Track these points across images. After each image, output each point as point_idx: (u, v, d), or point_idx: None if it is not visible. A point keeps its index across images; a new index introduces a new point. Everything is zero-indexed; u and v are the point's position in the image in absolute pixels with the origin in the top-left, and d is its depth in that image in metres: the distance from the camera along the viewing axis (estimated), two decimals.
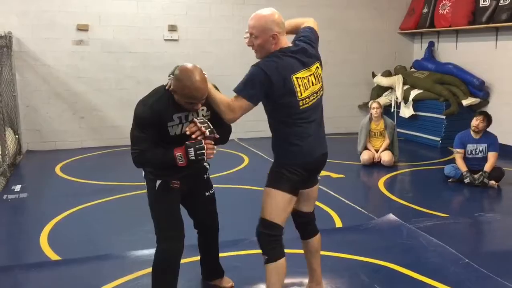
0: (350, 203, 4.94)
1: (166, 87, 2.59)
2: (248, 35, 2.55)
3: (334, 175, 6.05)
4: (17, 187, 5.53)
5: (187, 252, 3.24)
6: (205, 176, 2.90)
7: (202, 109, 2.66)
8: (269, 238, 2.59)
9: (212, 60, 8.20)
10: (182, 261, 2.74)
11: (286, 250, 2.67)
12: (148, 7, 8.00)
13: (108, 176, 6.01)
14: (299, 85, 2.52)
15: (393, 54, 9.56)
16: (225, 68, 8.02)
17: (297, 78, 2.51)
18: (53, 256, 3.69)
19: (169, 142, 2.58)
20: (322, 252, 3.55)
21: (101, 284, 3.15)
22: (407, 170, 6.52)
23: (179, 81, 2.47)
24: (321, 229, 4.15)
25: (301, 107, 2.54)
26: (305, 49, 2.59)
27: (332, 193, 5.26)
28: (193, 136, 2.54)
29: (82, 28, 7.71)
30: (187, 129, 2.55)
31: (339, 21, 9.11)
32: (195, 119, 2.58)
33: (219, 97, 2.54)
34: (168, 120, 2.55)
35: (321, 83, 2.68)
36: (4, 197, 5.19)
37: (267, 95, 2.48)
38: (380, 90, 9.17)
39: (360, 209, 4.76)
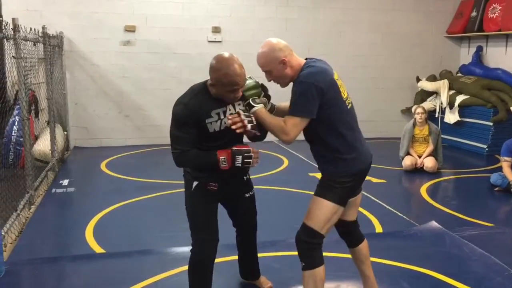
0: (391, 209, 4.86)
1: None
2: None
3: (375, 180, 5.97)
4: (65, 182, 5.74)
5: (227, 251, 3.29)
6: (245, 177, 2.86)
7: (239, 104, 2.62)
8: (308, 246, 2.56)
9: (255, 62, 8.24)
10: (222, 259, 2.77)
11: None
12: (193, 9, 8.14)
13: (150, 173, 6.15)
14: (340, 85, 2.54)
15: (439, 58, 9.35)
16: None
17: (336, 79, 2.54)
18: (97, 249, 3.81)
19: (209, 139, 2.56)
20: None
21: (142, 278, 3.23)
22: (451, 177, 6.36)
23: (218, 70, 2.46)
24: None
25: (348, 107, 2.56)
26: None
27: (372, 198, 5.20)
28: (234, 127, 2.50)
29: (130, 29, 7.92)
30: (229, 117, 2.52)
31: (383, 24, 8.98)
32: (239, 111, 2.55)
33: (269, 121, 2.53)
34: (206, 117, 2.52)
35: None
36: (53, 191, 5.40)
37: (321, 105, 2.44)
38: (424, 95, 8.97)
39: (402, 215, 4.68)
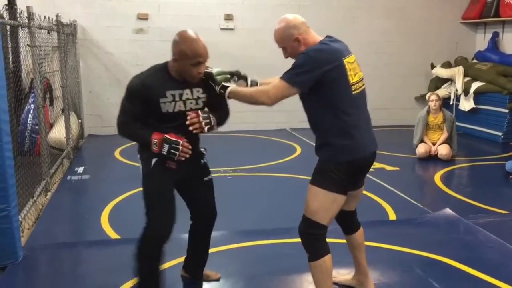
0: (404, 196, 4.84)
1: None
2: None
3: (388, 168, 5.94)
4: (80, 169, 5.81)
5: (241, 237, 3.30)
6: (202, 161, 2.78)
7: (198, 91, 2.58)
8: (311, 237, 2.51)
9: (267, 49, 8.14)
10: (237, 245, 2.78)
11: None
12: None
13: None
14: (350, 69, 2.45)
15: (454, 44, 9.22)
16: (280, 57, 7.98)
17: (347, 62, 2.45)
18: (113, 235, 3.86)
19: (161, 119, 2.52)
20: (375, 244, 3.55)
21: None
22: (465, 164, 6.30)
23: (182, 43, 2.44)
24: (374, 221, 4.16)
25: (353, 93, 2.45)
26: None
27: (386, 185, 5.18)
28: (191, 128, 2.48)
29: (142, 17, 7.93)
30: (188, 118, 2.49)
31: (397, 10, 8.87)
32: (199, 111, 2.53)
33: (245, 92, 2.53)
34: (160, 96, 2.48)
35: (362, 73, 2.58)
36: (68, 178, 5.47)
37: (319, 81, 2.37)
38: (439, 82, 8.87)
39: (415, 202, 4.66)
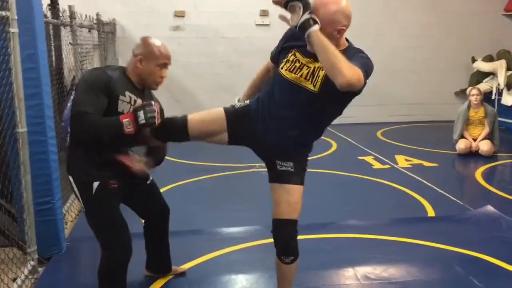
0: (443, 193, 4.74)
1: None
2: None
3: (426, 164, 5.83)
4: None
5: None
6: (147, 182, 2.72)
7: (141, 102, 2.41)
8: (296, 238, 2.38)
9: None
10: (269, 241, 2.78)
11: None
12: None
13: (200, 156, 6.25)
14: None
15: (496, 37, 8.91)
16: None
17: None
18: None
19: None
20: (413, 241, 3.51)
21: (193, 257, 3.31)
22: (508, 161, 6.11)
23: (148, 45, 2.42)
24: (412, 218, 4.10)
25: None
26: None
27: (424, 181, 5.09)
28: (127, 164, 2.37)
29: (179, 15, 8.04)
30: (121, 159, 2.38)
31: (436, 3, 8.67)
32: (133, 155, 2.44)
33: (337, 51, 2.01)
34: (120, 93, 2.36)
35: None
36: None
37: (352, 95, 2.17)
38: (480, 76, 8.62)
39: (455, 199, 4.55)
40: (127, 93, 2.39)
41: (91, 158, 2.38)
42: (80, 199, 2.44)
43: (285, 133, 2.28)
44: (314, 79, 2.17)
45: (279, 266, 2.42)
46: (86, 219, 2.48)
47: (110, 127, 2.26)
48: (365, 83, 2.05)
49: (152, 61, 2.40)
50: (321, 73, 2.14)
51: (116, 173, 2.42)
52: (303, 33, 2.02)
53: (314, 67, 2.17)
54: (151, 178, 2.76)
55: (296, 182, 2.33)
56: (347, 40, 2.26)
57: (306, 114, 2.25)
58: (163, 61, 2.43)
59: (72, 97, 2.36)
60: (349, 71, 1.95)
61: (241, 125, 2.37)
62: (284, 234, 2.34)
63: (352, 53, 2.15)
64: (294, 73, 2.21)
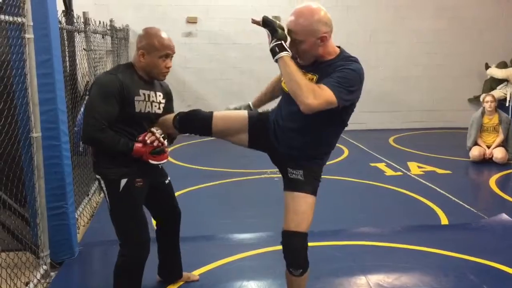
0: (457, 200, 4.69)
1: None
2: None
3: (440, 171, 5.78)
4: None
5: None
6: (160, 166, 2.68)
7: (160, 95, 2.52)
8: (306, 249, 2.35)
9: None
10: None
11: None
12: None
13: (212, 162, 6.28)
14: None
15: (510, 43, 8.84)
16: None
17: None
18: None
19: (130, 120, 2.40)
20: (426, 249, 3.47)
21: (206, 262, 3.31)
22: None
23: (149, 36, 2.39)
24: (425, 225, 4.06)
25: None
26: None
27: (437, 189, 5.04)
28: (150, 142, 2.40)
29: (191, 21, 8.09)
30: (147, 138, 2.40)
31: (450, 8, 8.61)
32: (153, 129, 2.45)
33: (300, 76, 2.10)
34: (135, 94, 2.38)
35: None
36: None
37: (351, 105, 2.21)
38: (493, 83, 8.55)
39: (469, 207, 4.50)
40: (141, 91, 2.42)
41: (118, 155, 2.40)
42: (107, 196, 2.48)
43: (292, 143, 2.33)
44: None
45: (288, 277, 2.41)
46: (110, 216, 2.53)
47: (119, 149, 2.35)
48: (347, 99, 2.10)
49: (154, 54, 2.39)
50: None
51: (141, 170, 2.45)
52: (273, 58, 2.15)
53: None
54: (169, 178, 2.81)
55: (305, 191, 2.31)
56: (339, 47, 2.27)
57: (307, 125, 2.25)
58: (165, 52, 2.41)
59: (85, 102, 2.38)
60: (310, 97, 2.02)
61: (260, 131, 2.43)
62: (292, 248, 2.32)
63: (339, 64, 2.16)
64: None
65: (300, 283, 2.39)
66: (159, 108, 2.53)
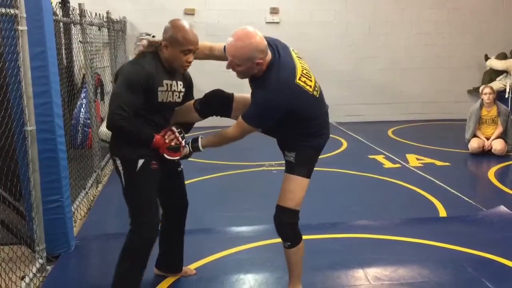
0: (455, 193, 4.67)
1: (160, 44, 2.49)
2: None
3: (438, 163, 5.77)
4: None
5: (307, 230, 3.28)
6: None
7: (180, 84, 2.59)
8: (294, 226, 2.57)
9: (313, 42, 8.13)
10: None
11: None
12: None
13: (211, 155, 6.24)
14: (306, 82, 2.40)
15: (510, 35, 8.79)
16: (326, 50, 7.96)
17: (301, 75, 2.39)
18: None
19: (152, 108, 2.48)
20: (424, 241, 3.46)
21: (203, 255, 3.30)
22: None
23: (173, 30, 2.42)
24: (423, 218, 4.05)
25: (317, 96, 2.47)
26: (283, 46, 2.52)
27: (436, 181, 5.02)
28: (170, 142, 2.51)
29: (189, 12, 8.04)
30: (166, 136, 2.51)
31: (449, 0, 8.57)
32: (173, 128, 2.55)
33: (218, 136, 2.61)
34: (159, 85, 2.45)
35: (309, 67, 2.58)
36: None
37: (288, 116, 2.41)
38: (493, 74, 8.52)
39: (467, 199, 4.49)
40: (164, 82, 2.49)
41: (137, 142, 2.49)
42: (123, 176, 2.52)
43: (279, 135, 2.61)
44: None
45: (284, 249, 2.63)
46: (123, 196, 2.57)
47: (141, 139, 2.47)
48: (257, 124, 2.43)
49: (177, 47, 2.44)
50: None
51: (157, 154, 2.51)
52: (199, 150, 2.64)
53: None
54: (181, 166, 2.85)
55: (296, 173, 2.51)
56: (268, 65, 2.41)
57: (282, 134, 2.57)
58: (187, 47, 2.44)
59: (112, 90, 2.46)
60: (232, 137, 2.52)
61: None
62: (277, 221, 2.57)
63: (260, 83, 2.39)
64: None
65: (291, 253, 2.60)
66: (179, 97, 2.59)
